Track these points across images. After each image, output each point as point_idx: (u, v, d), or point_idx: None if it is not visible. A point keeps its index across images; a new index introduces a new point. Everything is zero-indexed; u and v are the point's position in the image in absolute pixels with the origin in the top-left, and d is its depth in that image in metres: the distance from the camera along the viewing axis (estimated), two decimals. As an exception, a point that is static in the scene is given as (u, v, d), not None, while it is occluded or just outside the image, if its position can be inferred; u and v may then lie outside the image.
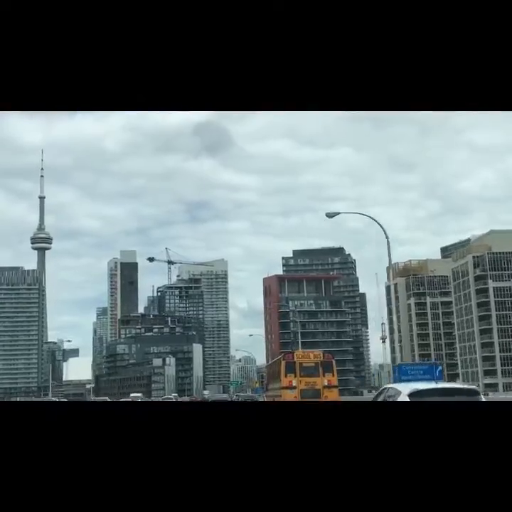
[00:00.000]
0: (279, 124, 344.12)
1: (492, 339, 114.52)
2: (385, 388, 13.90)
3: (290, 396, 29.54)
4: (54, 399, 76.02)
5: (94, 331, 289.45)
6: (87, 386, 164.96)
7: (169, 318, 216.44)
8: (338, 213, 28.04)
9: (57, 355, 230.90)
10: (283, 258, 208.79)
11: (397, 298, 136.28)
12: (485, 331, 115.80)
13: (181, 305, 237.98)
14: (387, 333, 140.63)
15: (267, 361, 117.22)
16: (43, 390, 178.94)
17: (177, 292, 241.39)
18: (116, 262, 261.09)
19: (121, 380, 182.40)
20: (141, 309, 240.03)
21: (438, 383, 14.39)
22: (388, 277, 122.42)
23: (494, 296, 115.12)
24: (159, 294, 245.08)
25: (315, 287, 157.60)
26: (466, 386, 15.15)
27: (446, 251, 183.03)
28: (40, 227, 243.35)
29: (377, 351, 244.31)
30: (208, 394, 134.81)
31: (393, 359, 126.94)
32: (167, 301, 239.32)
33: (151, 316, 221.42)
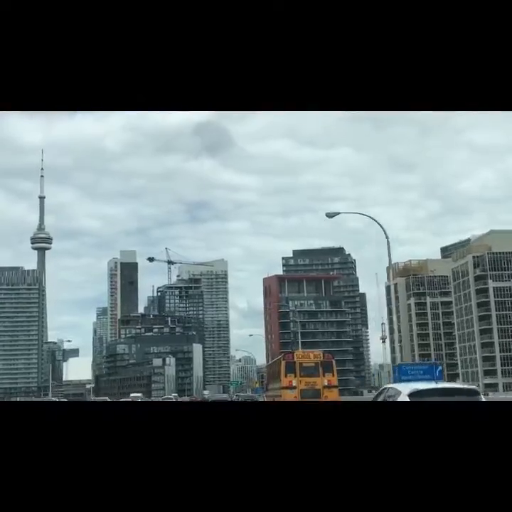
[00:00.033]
0: (279, 124, 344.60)
1: (492, 339, 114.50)
2: (385, 388, 13.89)
3: (290, 396, 29.52)
4: (54, 399, 75.98)
5: (94, 331, 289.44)
6: (87, 386, 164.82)
7: (169, 318, 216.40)
8: (338, 213, 28.01)
9: (57, 355, 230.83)
10: (283, 258, 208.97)
11: (397, 298, 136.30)
12: (485, 331, 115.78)
13: (181, 305, 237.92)
14: (387, 333, 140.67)
15: (267, 361, 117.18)
16: (43, 390, 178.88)
17: (177, 292, 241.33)
18: (116, 262, 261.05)
19: (121, 380, 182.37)
20: (141, 309, 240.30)
21: (438, 383, 14.38)
22: (388, 277, 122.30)
23: (494, 296, 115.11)
24: (159, 294, 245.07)
25: (315, 287, 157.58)
26: (466, 386, 15.15)
27: (446, 251, 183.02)
28: (40, 227, 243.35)
29: (377, 351, 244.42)
30: (207, 394, 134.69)
31: (393, 359, 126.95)
32: (167, 301, 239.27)
33: (151, 316, 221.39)
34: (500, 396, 69.15)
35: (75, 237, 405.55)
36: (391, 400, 12.14)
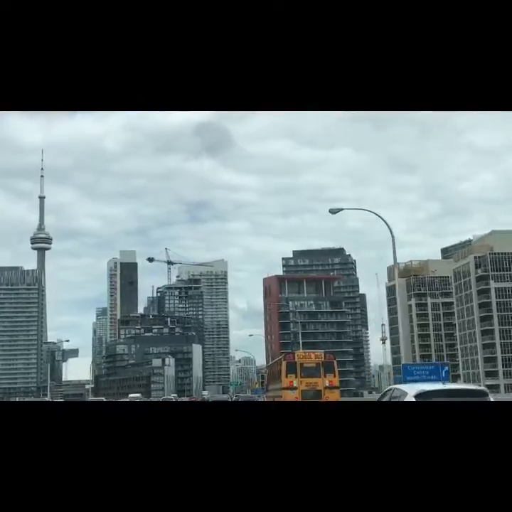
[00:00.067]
0: (279, 124, 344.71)
1: (493, 340, 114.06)
2: (390, 389, 13.53)
3: (291, 397, 29.18)
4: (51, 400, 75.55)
5: (94, 331, 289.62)
6: (87, 386, 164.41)
7: (169, 319, 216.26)
8: (342, 209, 27.52)
9: (57, 356, 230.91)
10: (283, 258, 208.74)
11: (397, 299, 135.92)
12: (486, 331, 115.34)
13: (181, 305, 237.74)
14: (387, 334, 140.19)
15: (267, 362, 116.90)
16: (42, 391, 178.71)
17: (177, 292, 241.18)
18: (116, 262, 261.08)
19: (120, 381, 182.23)
20: (140, 310, 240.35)
21: (445, 384, 13.87)
22: (393, 275, 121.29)
23: (496, 297, 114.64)
24: (159, 294, 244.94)
25: (315, 288, 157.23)
26: (474, 387, 14.63)
27: (446, 252, 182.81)
28: (40, 227, 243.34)
29: (377, 352, 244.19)
30: (207, 394, 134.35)
31: (394, 360, 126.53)
32: (167, 301, 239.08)
33: (151, 316, 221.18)
34: (502, 397, 68.69)
35: (74, 237, 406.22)
36: (396, 401, 11.69)
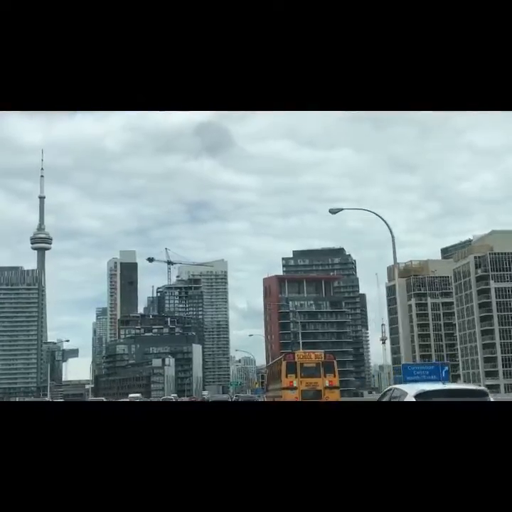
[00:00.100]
0: (279, 124, 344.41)
1: (493, 340, 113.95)
2: (390, 389, 13.48)
3: (291, 397, 29.15)
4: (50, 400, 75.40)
5: (94, 331, 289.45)
6: (87, 386, 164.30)
7: (169, 319, 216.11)
8: (342, 209, 27.47)
9: (57, 356, 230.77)
10: (283, 259, 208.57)
11: (397, 298, 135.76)
12: (486, 331, 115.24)
13: (181, 305, 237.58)
14: (387, 334, 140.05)
15: (267, 362, 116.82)
16: (42, 391, 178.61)
17: (177, 293, 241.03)
18: (115, 262, 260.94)
19: (120, 381, 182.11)
20: (140, 310, 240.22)
21: (445, 384, 13.84)
22: (393, 275, 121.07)
23: (496, 297, 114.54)
24: (159, 294, 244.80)
25: (315, 288, 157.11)
26: (474, 387, 14.59)
27: (446, 252, 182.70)
28: (40, 227, 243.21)
29: (377, 352, 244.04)
30: (207, 394, 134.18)
31: (394, 360, 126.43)
32: (167, 301, 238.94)
33: (151, 316, 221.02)
34: (502, 397, 68.62)
35: (74, 237, 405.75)
36: (396, 401, 11.66)
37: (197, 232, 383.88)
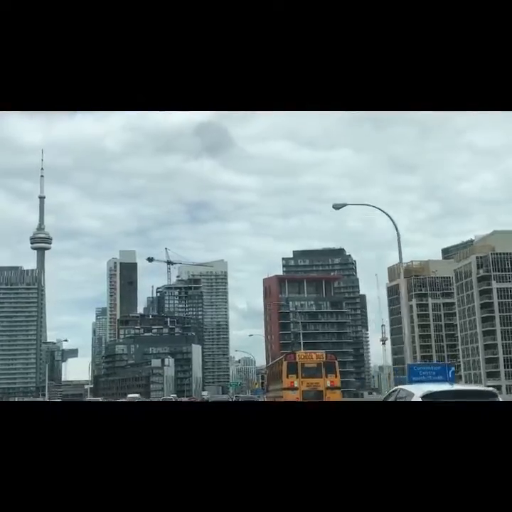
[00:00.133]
0: (279, 125, 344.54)
1: (495, 341, 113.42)
2: (396, 390, 13.06)
3: (292, 397, 28.74)
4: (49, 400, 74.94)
5: (94, 331, 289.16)
6: (86, 387, 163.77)
7: (168, 319, 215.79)
8: (346, 205, 26.79)
9: (56, 356, 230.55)
10: (283, 259, 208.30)
11: (398, 298, 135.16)
12: (488, 332, 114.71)
13: (180, 306, 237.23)
14: (387, 335, 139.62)
15: (267, 362, 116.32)
16: (41, 391, 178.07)
17: (176, 293, 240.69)
18: (115, 262, 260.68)
19: (119, 381, 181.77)
20: (140, 310, 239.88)
21: (453, 385, 13.28)
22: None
23: (498, 298, 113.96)
24: (158, 294, 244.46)
25: (315, 288, 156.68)
26: (483, 388, 14.06)
27: (447, 252, 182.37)
28: (40, 227, 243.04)
29: (377, 353, 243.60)
30: (206, 395, 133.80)
31: (394, 361, 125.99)
32: (166, 301, 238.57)
33: (150, 316, 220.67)
34: (504, 398, 68.09)
35: (74, 237, 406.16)
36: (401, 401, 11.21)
37: (197, 232, 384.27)
